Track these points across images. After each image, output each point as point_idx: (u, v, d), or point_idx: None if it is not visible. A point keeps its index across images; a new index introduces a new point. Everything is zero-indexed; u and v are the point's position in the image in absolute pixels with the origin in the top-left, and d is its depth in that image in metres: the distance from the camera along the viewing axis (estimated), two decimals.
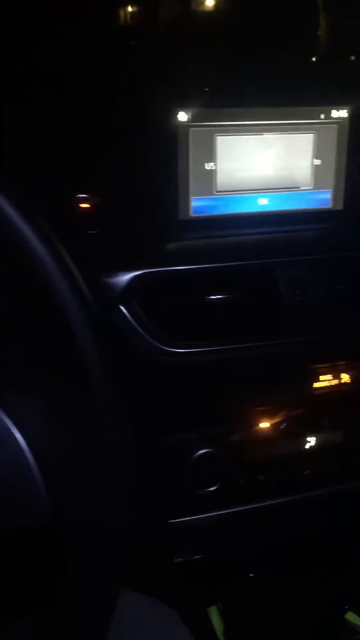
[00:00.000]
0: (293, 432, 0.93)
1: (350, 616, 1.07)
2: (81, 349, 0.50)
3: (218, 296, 0.84)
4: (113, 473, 0.51)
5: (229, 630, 1.05)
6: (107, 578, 0.53)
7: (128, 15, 0.98)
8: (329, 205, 0.97)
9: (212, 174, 0.91)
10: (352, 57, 1.04)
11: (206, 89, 0.88)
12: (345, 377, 0.91)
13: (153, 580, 0.96)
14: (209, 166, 0.91)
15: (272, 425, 0.92)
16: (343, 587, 1.11)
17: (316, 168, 0.95)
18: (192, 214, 0.92)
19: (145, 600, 0.78)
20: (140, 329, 0.79)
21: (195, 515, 0.92)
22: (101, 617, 0.54)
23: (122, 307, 0.79)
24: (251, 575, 1.14)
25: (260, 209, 0.94)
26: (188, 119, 0.87)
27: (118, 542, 0.53)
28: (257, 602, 1.09)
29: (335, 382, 0.91)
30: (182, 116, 0.87)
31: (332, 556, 1.11)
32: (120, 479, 0.52)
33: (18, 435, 0.54)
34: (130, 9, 0.98)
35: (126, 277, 0.79)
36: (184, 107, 0.87)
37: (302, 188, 0.95)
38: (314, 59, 1.00)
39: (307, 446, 0.95)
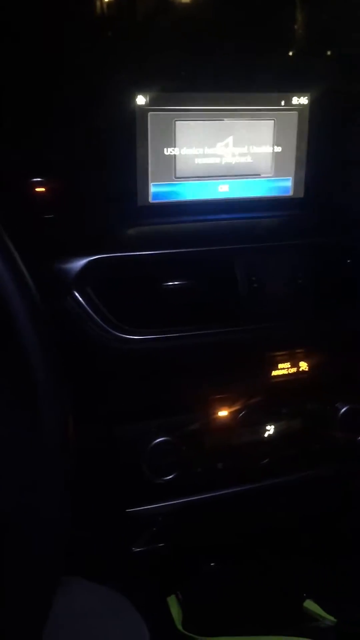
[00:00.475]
0: (251, 420, 0.93)
1: (309, 604, 1.07)
2: (22, 340, 0.49)
3: (175, 283, 0.83)
4: (51, 466, 0.50)
5: (188, 620, 1.04)
6: (41, 571, 0.52)
7: None
8: (290, 193, 0.97)
9: (171, 159, 0.90)
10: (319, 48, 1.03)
11: (165, 73, 0.87)
12: (303, 365, 0.91)
13: (110, 570, 0.96)
14: (168, 151, 0.89)
15: (230, 413, 0.92)
16: (302, 575, 1.11)
17: (276, 155, 0.94)
18: (151, 200, 0.91)
19: (98, 589, 0.77)
20: (94, 316, 0.77)
21: (152, 504, 0.91)
22: (34, 611, 0.52)
23: (76, 293, 0.77)
24: (212, 564, 1.14)
25: (220, 196, 0.94)
26: (146, 102, 0.86)
27: (53, 536, 0.52)
28: (216, 591, 1.09)
29: (293, 369, 0.90)
30: (141, 99, 0.86)
31: (291, 544, 1.11)
32: (57, 472, 0.51)
33: None
34: None
35: (80, 262, 0.78)
36: (142, 90, 0.85)
37: (263, 175, 0.95)
38: (274, 45, 0.99)
39: (266, 434, 0.95)
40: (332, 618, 1.05)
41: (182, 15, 0.95)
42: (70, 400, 0.53)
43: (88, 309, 0.77)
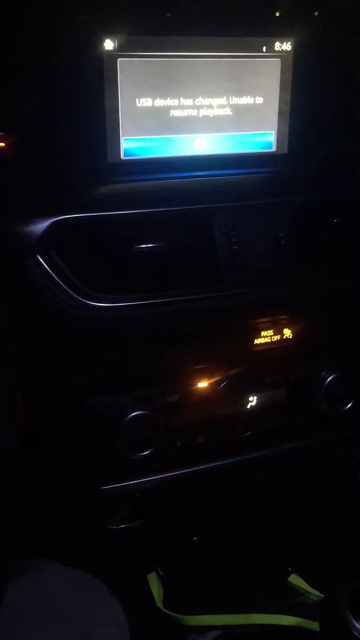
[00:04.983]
0: (233, 391, 0.89)
1: (294, 579, 1.04)
2: None
3: (148, 245, 0.77)
4: None
5: (169, 598, 1.01)
6: None
7: None
8: (272, 149, 0.90)
9: (144, 112, 0.83)
10: None
11: (136, 15, 0.79)
12: (287, 332, 0.86)
13: (86, 549, 0.92)
14: (140, 103, 0.82)
15: (210, 384, 0.87)
16: (286, 549, 1.08)
17: (258, 107, 0.87)
18: (122, 156, 0.84)
19: (70, 572, 0.72)
20: (59, 281, 0.71)
21: (129, 481, 0.87)
22: None
23: (39, 257, 0.71)
24: (194, 538, 1.11)
25: (197, 152, 0.87)
26: (115, 47, 0.78)
27: None
28: (198, 567, 1.06)
29: (276, 337, 0.85)
30: (109, 44, 0.78)
31: (275, 518, 1.08)
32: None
33: None
34: None
35: (44, 224, 0.71)
36: (110, 34, 0.78)
37: (243, 129, 0.88)
38: None
39: (248, 406, 0.90)
40: (317, 593, 1.03)
41: None
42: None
43: (52, 274, 0.71)
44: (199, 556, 1.07)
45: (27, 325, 0.70)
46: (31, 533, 0.72)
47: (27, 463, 0.54)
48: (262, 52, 0.85)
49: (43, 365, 0.75)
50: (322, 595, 1.02)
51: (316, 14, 0.88)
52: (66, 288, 0.72)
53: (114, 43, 0.78)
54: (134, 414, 0.81)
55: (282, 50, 0.86)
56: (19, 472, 0.49)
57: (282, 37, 0.85)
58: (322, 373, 0.92)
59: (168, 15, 0.81)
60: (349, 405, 0.94)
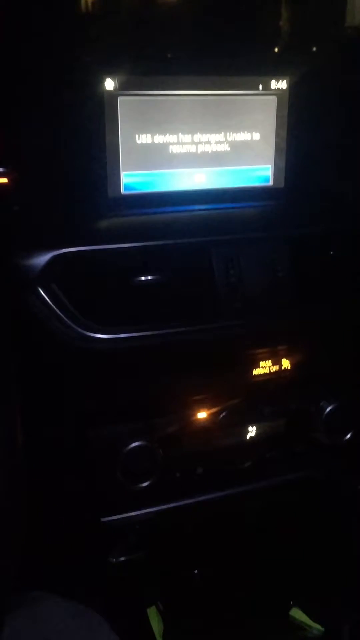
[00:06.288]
0: (232, 421, 0.89)
1: (296, 612, 1.03)
2: None
3: (148, 278, 0.78)
4: None
5: (169, 632, 1.00)
6: None
7: None
8: (270, 183, 0.92)
9: (144, 148, 0.85)
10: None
11: (136, 55, 0.82)
12: (285, 362, 0.86)
13: (86, 582, 0.91)
14: (140, 139, 0.84)
15: (209, 414, 0.87)
16: (287, 582, 1.07)
17: (255, 143, 0.89)
18: (123, 191, 0.86)
19: (69, 605, 0.72)
20: (60, 314, 0.72)
21: (129, 513, 0.87)
22: None
23: (40, 290, 0.72)
24: (195, 571, 1.10)
25: (196, 186, 0.89)
26: (115, 86, 0.81)
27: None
28: (199, 601, 1.04)
29: (275, 367, 0.86)
30: (109, 84, 0.81)
31: (276, 550, 1.07)
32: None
33: None
34: None
35: (45, 257, 0.73)
36: (111, 73, 0.80)
37: (241, 164, 0.90)
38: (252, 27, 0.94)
39: (248, 436, 0.90)
40: (318, 627, 1.01)
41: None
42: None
43: (53, 306, 0.72)
44: (199, 590, 1.06)
45: (28, 356, 0.71)
46: (31, 565, 0.72)
47: (27, 494, 0.54)
48: (259, 90, 0.87)
49: (43, 396, 0.76)
50: (323, 629, 1.01)
51: (310, 53, 0.91)
52: (67, 320, 0.73)
53: (115, 83, 0.81)
54: (133, 444, 0.81)
55: (278, 88, 0.88)
56: (20, 505, 0.49)
57: (278, 76, 0.87)
58: (321, 403, 0.92)
59: (169, 55, 0.83)
60: (349, 435, 0.94)
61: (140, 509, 0.87)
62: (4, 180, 0.79)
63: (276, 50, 0.89)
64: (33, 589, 0.71)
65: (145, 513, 0.87)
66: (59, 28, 0.79)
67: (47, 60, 0.79)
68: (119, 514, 0.86)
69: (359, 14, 0.97)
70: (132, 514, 0.87)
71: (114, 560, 0.91)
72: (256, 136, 0.89)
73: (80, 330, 0.73)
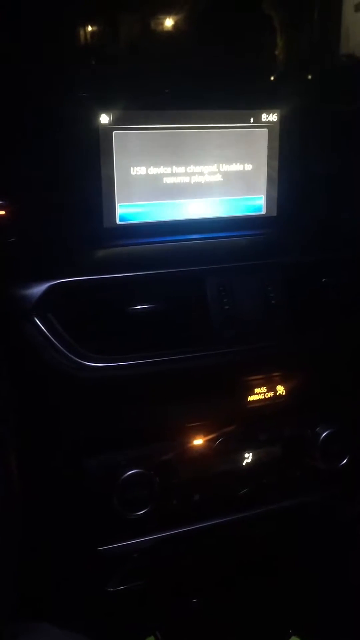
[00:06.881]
0: (228, 448, 0.89)
1: None
2: None
3: (143, 307, 0.80)
4: None
5: None
6: None
7: None
8: (262, 212, 0.94)
9: (138, 179, 0.87)
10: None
11: (129, 91, 0.85)
12: (280, 389, 0.87)
13: (83, 612, 0.90)
14: (135, 171, 0.86)
15: (205, 441, 0.87)
16: (286, 610, 1.06)
17: (247, 173, 0.92)
18: (118, 221, 0.87)
19: (67, 636, 0.71)
20: (56, 343, 0.74)
21: (126, 541, 0.86)
22: None
23: (36, 320, 0.73)
24: (194, 600, 1.09)
25: (190, 216, 0.91)
26: (110, 121, 0.83)
27: None
28: (197, 630, 1.03)
29: (270, 394, 0.87)
30: (104, 118, 0.83)
31: (275, 577, 1.06)
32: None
33: None
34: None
35: (41, 287, 0.74)
36: (106, 109, 0.83)
37: (234, 194, 0.92)
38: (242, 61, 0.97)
39: (244, 463, 0.91)
40: None
41: (146, 34, 0.93)
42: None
43: (50, 336, 0.73)
44: (197, 619, 1.05)
45: (25, 385, 0.72)
46: (27, 595, 0.72)
47: (22, 522, 0.54)
48: (250, 122, 0.90)
49: (39, 424, 0.76)
50: None
51: (299, 86, 0.93)
52: (63, 349, 0.74)
53: (110, 117, 0.83)
54: (129, 472, 0.82)
55: (269, 120, 0.90)
56: (15, 533, 0.50)
57: (269, 109, 0.90)
58: (317, 429, 0.93)
59: (164, 91, 0.86)
60: (345, 460, 0.94)
61: (137, 537, 0.86)
62: (2, 212, 0.81)
63: (266, 84, 0.91)
64: (29, 619, 0.71)
65: (142, 541, 0.87)
66: (55, 64, 0.81)
67: (44, 95, 0.81)
68: (116, 543, 0.86)
69: (345, 48, 1.00)
70: (129, 542, 0.86)
71: (112, 589, 0.91)
72: (248, 167, 0.92)
73: (76, 359, 0.74)
